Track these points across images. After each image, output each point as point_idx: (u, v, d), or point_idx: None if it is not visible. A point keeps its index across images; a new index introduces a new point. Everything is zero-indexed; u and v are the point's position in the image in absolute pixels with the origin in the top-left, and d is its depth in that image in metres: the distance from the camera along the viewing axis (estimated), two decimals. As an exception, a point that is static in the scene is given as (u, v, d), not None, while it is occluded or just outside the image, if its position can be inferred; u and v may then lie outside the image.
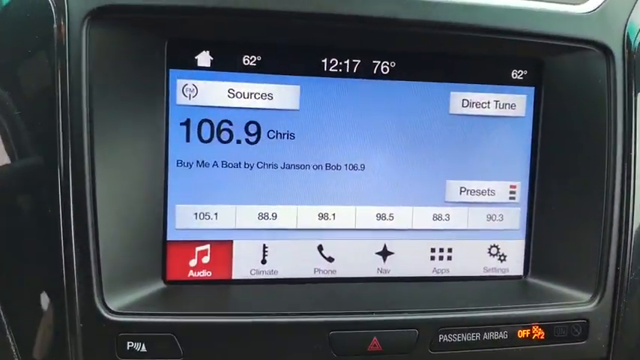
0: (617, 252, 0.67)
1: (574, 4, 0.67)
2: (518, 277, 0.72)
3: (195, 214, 0.64)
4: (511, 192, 0.71)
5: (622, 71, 0.67)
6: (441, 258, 0.70)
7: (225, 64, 0.63)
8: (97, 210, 0.57)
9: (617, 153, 0.67)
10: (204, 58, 0.63)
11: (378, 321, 0.61)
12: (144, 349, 0.57)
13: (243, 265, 0.66)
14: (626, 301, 0.67)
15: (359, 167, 0.67)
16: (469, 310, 0.63)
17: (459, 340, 0.62)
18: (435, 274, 0.70)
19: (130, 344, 0.57)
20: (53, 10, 0.56)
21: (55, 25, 0.56)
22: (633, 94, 0.67)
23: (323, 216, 0.67)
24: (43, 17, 0.56)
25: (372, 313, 0.61)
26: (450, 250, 0.70)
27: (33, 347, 0.57)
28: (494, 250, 0.71)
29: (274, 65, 0.64)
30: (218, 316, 0.59)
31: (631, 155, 0.67)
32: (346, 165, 0.67)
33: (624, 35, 0.67)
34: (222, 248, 0.66)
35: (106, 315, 0.57)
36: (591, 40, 0.67)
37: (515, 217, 0.71)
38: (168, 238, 0.64)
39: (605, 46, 0.67)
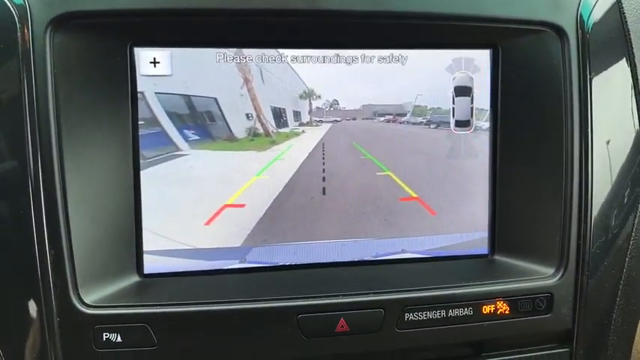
0: (578, 227, 0.69)
1: (527, -12, 0.69)
2: (484, 256, 0.74)
3: (167, 208, 0.67)
4: (475, 173, 0.73)
5: (576, 51, 0.69)
6: (408, 239, 0.73)
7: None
8: (69, 209, 0.59)
9: (574, 132, 0.69)
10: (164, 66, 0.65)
11: (345, 302, 0.63)
12: (119, 339, 0.59)
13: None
14: (589, 274, 0.69)
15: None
16: (434, 288, 0.66)
17: (424, 318, 0.64)
18: (402, 256, 0.73)
19: (106, 335, 0.59)
20: (16, 18, 0.58)
21: (19, 33, 0.58)
22: (588, 73, 0.69)
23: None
24: (7, 26, 0.58)
25: (339, 295, 0.63)
26: (417, 231, 0.73)
27: (14, 341, 0.59)
28: (460, 230, 0.74)
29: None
30: (190, 305, 0.61)
31: (588, 133, 0.69)
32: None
33: (577, 15, 0.69)
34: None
35: (81, 308, 0.59)
36: (545, 21, 0.69)
37: (479, 198, 0.74)
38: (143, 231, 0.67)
39: (558, 27, 0.69)
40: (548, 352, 0.70)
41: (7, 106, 0.58)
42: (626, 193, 0.72)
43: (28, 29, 0.58)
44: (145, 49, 0.64)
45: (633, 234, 0.72)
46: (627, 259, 0.72)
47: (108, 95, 0.63)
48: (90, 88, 0.62)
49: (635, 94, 0.72)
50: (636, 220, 0.72)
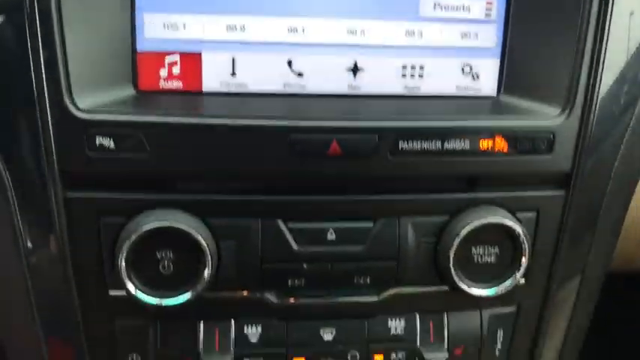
0: (589, 68, 0.66)
1: None
2: (491, 97, 0.72)
3: (164, 23, 0.65)
4: (487, 8, 0.69)
5: None
6: (412, 75, 0.70)
7: None
8: (63, 15, 0.58)
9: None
10: None
11: (339, 126, 0.62)
12: (112, 145, 0.60)
13: (213, 77, 0.68)
14: (594, 118, 0.67)
15: (329, -22, 0.66)
16: (430, 119, 0.64)
17: (419, 148, 0.63)
18: (406, 92, 0.71)
19: (99, 140, 0.60)
20: None
21: None
22: None
23: (292, 29, 0.67)
24: None
25: (333, 119, 0.63)
26: (421, 67, 0.70)
27: (10, 145, 0.61)
28: (467, 69, 0.71)
29: None
30: (183, 117, 0.61)
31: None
32: (316, -25, 0.66)
33: None
34: (192, 59, 0.67)
35: (74, 112, 0.59)
36: None
37: (490, 35, 0.70)
38: (138, 48, 0.66)
39: None
40: (543, 193, 0.69)
41: None
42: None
43: None
44: None
45: (648, 83, 0.69)
46: (637, 108, 0.69)
47: None
48: None
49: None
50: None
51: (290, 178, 0.64)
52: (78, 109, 0.60)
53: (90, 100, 0.61)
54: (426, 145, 0.64)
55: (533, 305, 0.74)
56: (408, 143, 0.63)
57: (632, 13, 0.67)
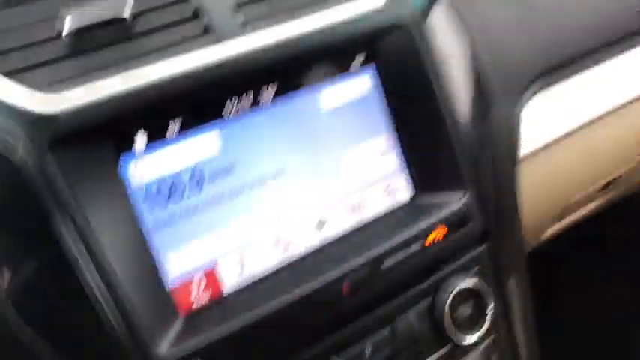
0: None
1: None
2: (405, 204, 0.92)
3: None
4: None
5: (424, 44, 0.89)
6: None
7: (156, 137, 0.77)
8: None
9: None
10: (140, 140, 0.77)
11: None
12: None
13: (228, 279, 0.84)
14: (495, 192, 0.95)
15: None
16: (368, 255, 0.83)
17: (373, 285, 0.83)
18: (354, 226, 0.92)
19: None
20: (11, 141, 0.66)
21: (18, 157, 0.66)
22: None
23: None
24: (6, 155, 0.67)
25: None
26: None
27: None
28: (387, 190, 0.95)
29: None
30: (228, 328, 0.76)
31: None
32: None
33: (414, 11, 0.89)
34: (211, 273, 0.83)
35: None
36: (392, 25, 0.88)
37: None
38: (169, 286, 0.80)
39: (402, 25, 0.88)
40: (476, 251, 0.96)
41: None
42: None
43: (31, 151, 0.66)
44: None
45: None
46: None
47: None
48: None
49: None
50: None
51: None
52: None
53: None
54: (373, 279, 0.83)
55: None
56: (361, 285, 0.82)
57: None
